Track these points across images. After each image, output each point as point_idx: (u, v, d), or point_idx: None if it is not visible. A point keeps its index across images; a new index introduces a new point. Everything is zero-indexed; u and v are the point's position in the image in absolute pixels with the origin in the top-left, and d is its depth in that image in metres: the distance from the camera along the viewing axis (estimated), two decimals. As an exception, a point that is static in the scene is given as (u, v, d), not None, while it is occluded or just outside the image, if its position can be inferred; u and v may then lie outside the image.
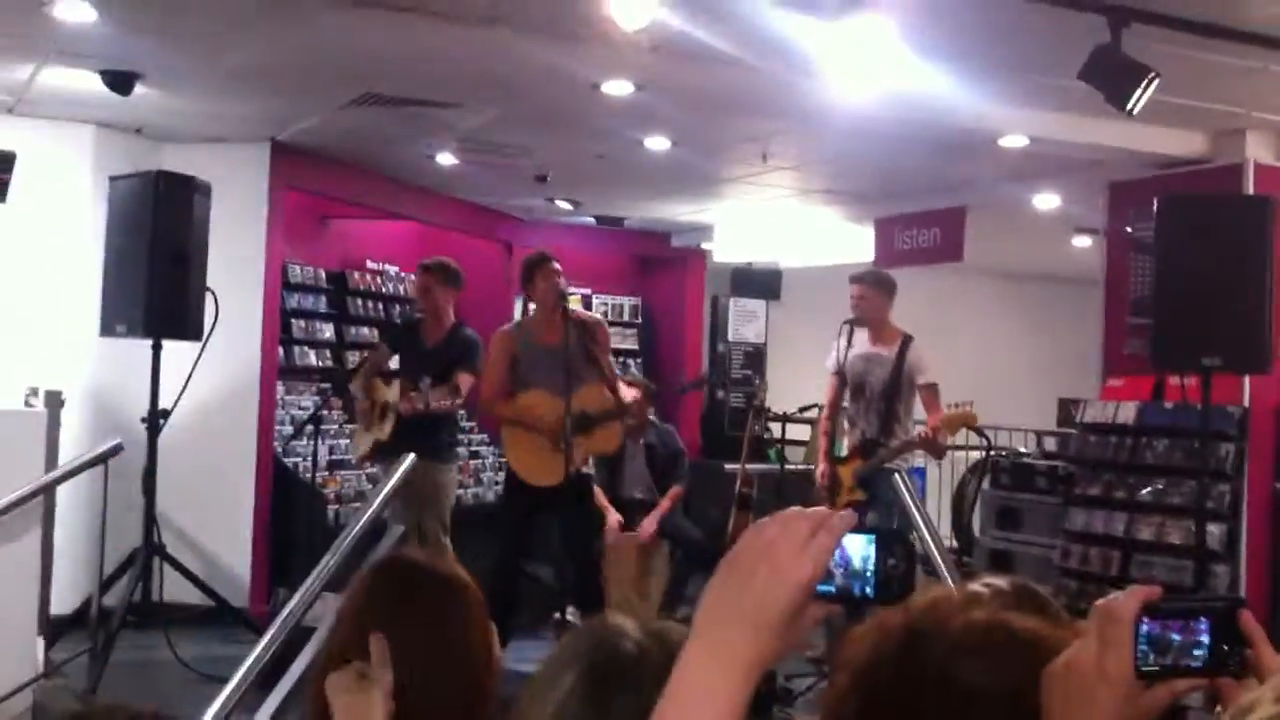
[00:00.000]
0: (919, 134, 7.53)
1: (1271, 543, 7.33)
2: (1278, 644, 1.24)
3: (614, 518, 8.12)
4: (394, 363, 7.73)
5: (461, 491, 9.57)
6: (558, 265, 6.80)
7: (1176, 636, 1.23)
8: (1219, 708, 1.22)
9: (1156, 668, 1.22)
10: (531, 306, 7.17)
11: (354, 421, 8.27)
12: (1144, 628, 1.22)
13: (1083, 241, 10.87)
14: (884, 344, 6.98)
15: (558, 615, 7.77)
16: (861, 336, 7.03)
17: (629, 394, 7.03)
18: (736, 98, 7.06)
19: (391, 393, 7.25)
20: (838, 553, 1.21)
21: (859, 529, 1.24)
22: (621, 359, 12.31)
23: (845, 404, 7.11)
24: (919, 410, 6.99)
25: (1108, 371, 8.15)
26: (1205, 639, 1.23)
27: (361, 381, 7.59)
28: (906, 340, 6.96)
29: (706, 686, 1.14)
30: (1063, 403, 10.87)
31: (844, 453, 7.06)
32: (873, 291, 7.02)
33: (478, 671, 2.20)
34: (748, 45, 6.01)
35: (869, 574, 1.24)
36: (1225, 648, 1.22)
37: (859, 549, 1.24)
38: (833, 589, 1.22)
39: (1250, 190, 7.38)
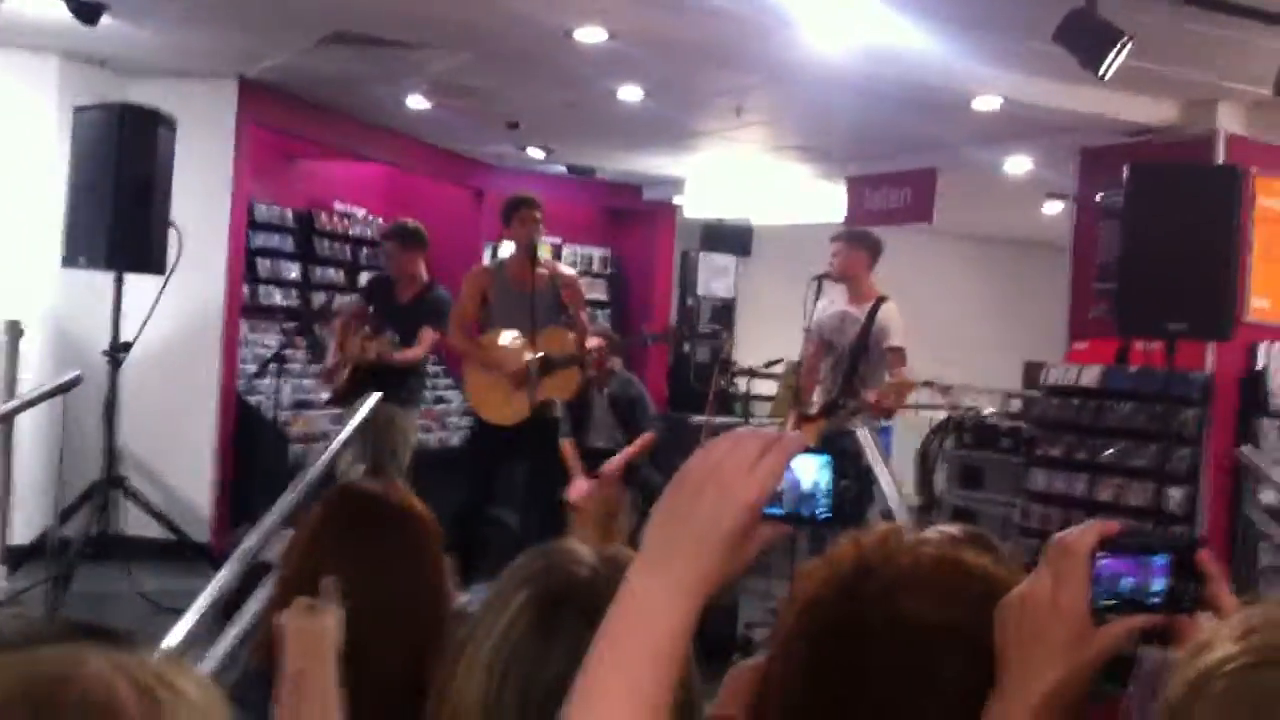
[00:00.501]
0: (893, 92, 7.50)
1: (1230, 507, 7.39)
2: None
3: (580, 483, 8.10)
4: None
5: (427, 436, 9.57)
6: (538, 213, 6.86)
7: (1133, 573, 1.21)
8: (1172, 647, 1.21)
9: (1112, 602, 1.20)
10: (510, 247, 7.18)
11: (320, 362, 8.33)
12: (1100, 563, 1.20)
13: (1053, 207, 10.89)
14: (859, 303, 6.99)
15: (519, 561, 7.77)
16: (839, 295, 7.03)
17: (592, 343, 7.02)
18: (711, 49, 7.01)
19: (372, 349, 7.36)
20: (789, 474, 1.19)
21: (811, 449, 1.21)
22: (590, 310, 12.29)
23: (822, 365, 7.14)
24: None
25: (1073, 335, 8.19)
26: (1163, 576, 1.21)
27: (337, 325, 7.73)
28: (879, 301, 6.96)
29: (651, 604, 1.12)
30: (1029, 366, 10.92)
31: (812, 411, 7.08)
32: (848, 249, 7.04)
33: (429, 600, 2.19)
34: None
35: (820, 496, 1.22)
36: (1183, 586, 1.21)
37: (811, 470, 1.22)
38: (782, 510, 1.20)
39: (1221, 160, 7.39)
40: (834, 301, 7.02)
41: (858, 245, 7.07)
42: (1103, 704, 1.31)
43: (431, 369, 10.70)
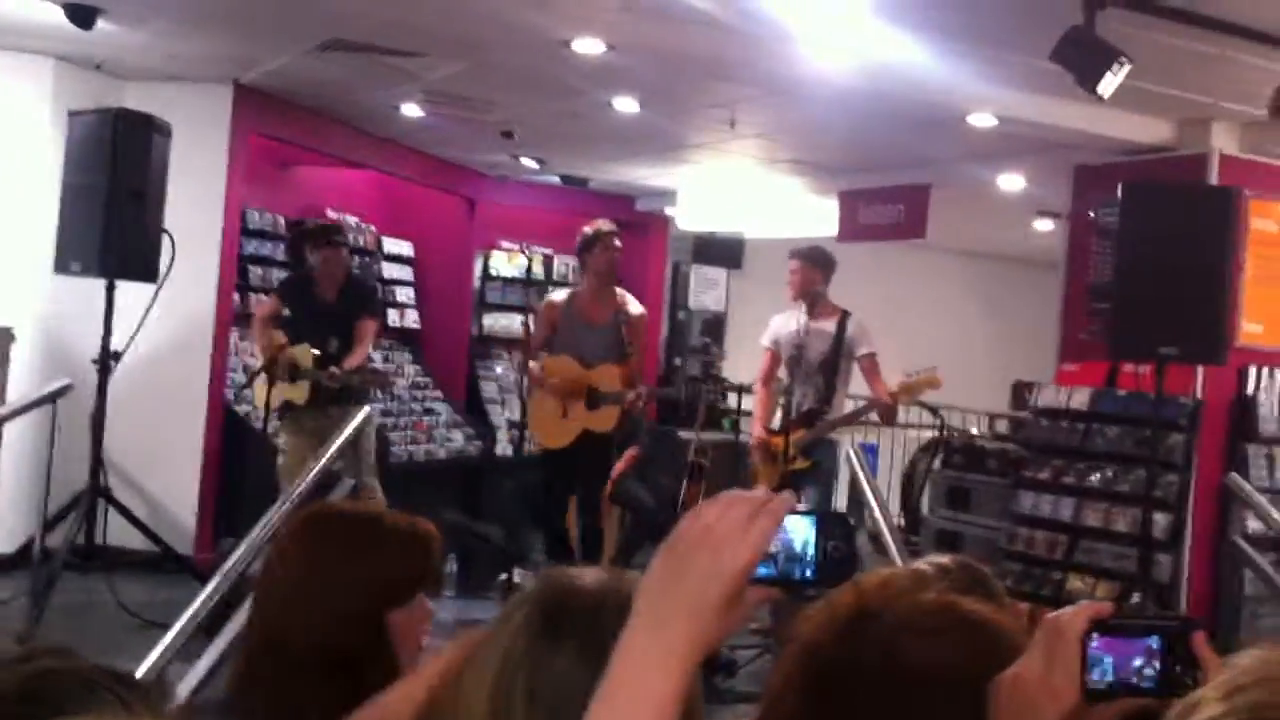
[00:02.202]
0: (888, 108, 7.52)
1: (1216, 533, 7.39)
2: (1224, 636, 1.22)
3: None
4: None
5: (415, 449, 9.54)
6: (618, 240, 6.99)
7: (1126, 655, 1.21)
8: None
9: (1104, 686, 1.20)
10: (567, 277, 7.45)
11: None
12: (1093, 645, 1.20)
13: (1044, 224, 10.91)
14: (822, 318, 7.12)
15: (504, 577, 7.78)
16: (799, 311, 7.15)
17: (630, 397, 7.17)
18: (707, 61, 7.02)
19: (303, 356, 7.41)
20: (778, 536, 1.20)
21: (799, 511, 1.22)
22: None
23: (781, 376, 7.20)
24: (856, 385, 7.12)
25: (1064, 356, 8.19)
26: (1157, 659, 1.21)
27: (259, 329, 7.76)
28: (845, 315, 7.14)
29: (646, 668, 1.14)
30: (1017, 386, 10.94)
31: (775, 425, 7.15)
32: (805, 267, 7.18)
33: (383, 599, 2.19)
34: (722, 7, 5.96)
35: (809, 557, 1.23)
36: (1177, 669, 1.20)
37: (800, 531, 1.23)
38: (773, 572, 1.21)
39: (1214, 180, 7.41)
40: (792, 318, 7.15)
41: (814, 262, 7.22)
42: None
43: (420, 379, 10.70)
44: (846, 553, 1.24)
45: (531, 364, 7.29)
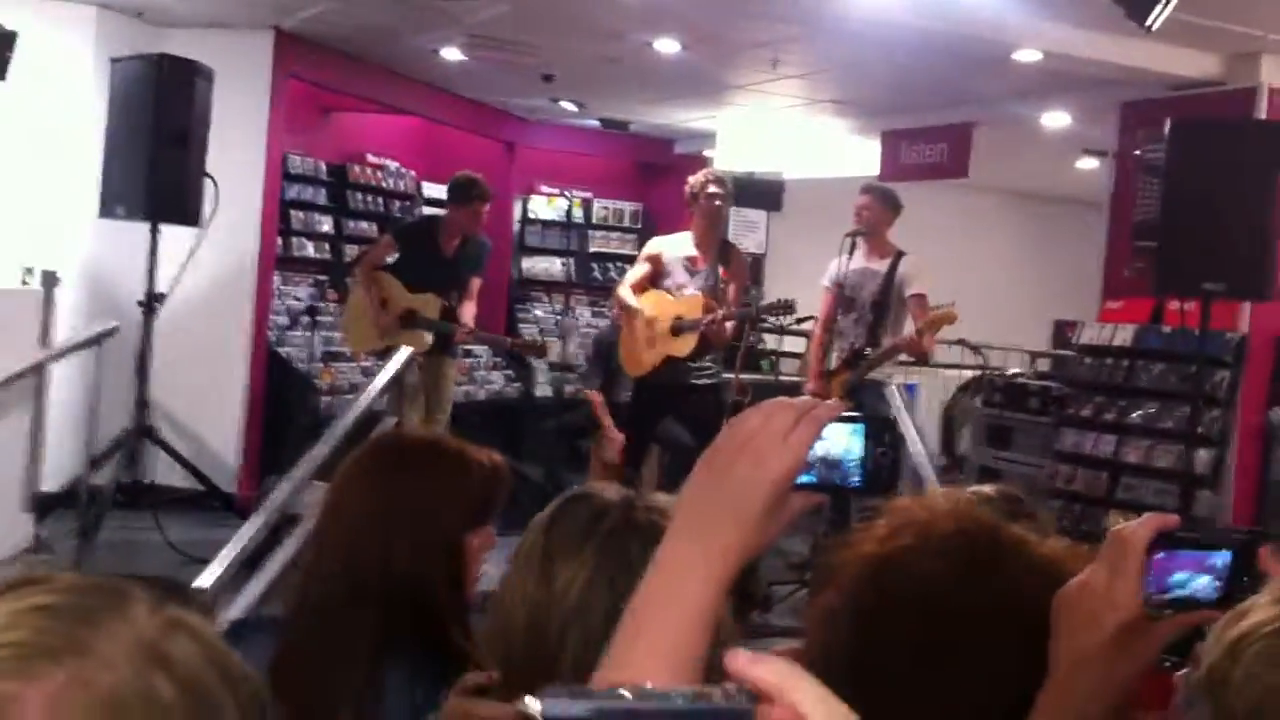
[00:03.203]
0: (933, 43, 7.42)
1: (1259, 471, 7.34)
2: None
3: (613, 436, 8.11)
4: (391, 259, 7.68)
5: (457, 389, 9.60)
6: (715, 189, 7.05)
7: (1190, 569, 1.19)
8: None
9: (1167, 599, 1.19)
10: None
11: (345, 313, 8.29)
12: (1157, 557, 1.18)
13: (1089, 163, 10.78)
14: (878, 258, 7.03)
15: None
16: (859, 250, 7.05)
17: (707, 316, 7.10)
18: (751, 0, 6.96)
19: (428, 307, 7.30)
20: (824, 443, 1.18)
21: (847, 417, 1.20)
22: (621, 265, 12.33)
23: (838, 318, 7.15)
24: (909, 326, 7.04)
25: (1107, 294, 8.12)
26: (1222, 573, 1.19)
27: (363, 274, 7.58)
28: (899, 255, 7.02)
29: (684, 573, 1.12)
30: (1058, 325, 10.86)
31: (833, 366, 7.10)
32: (879, 204, 7.09)
33: (453, 530, 2.21)
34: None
35: (855, 464, 1.21)
36: (1242, 583, 1.19)
37: (845, 438, 1.21)
38: (816, 479, 1.19)
39: (1263, 115, 7.30)
40: (854, 258, 7.05)
41: (886, 202, 7.14)
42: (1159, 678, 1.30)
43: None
44: (893, 460, 1.23)
45: (622, 293, 7.30)
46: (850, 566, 1.37)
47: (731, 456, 1.15)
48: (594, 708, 0.76)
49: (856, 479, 1.22)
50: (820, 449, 1.18)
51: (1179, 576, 1.19)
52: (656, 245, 7.36)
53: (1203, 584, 1.20)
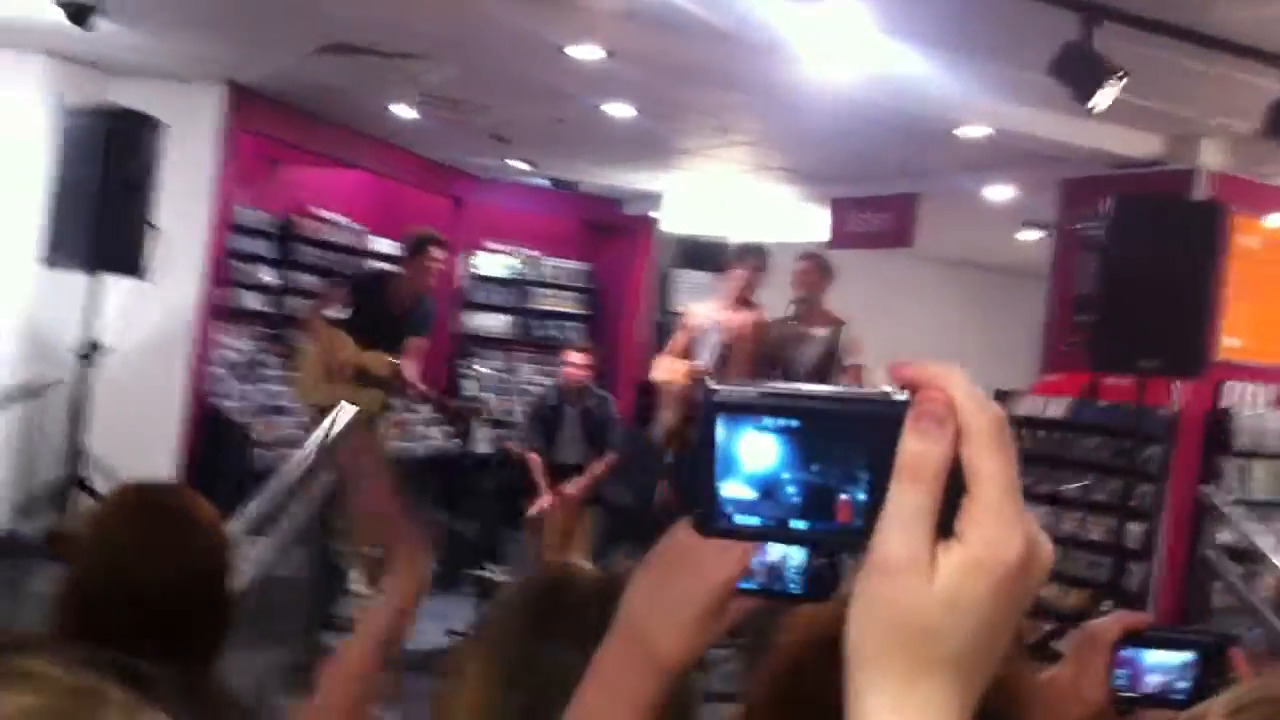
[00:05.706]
0: (881, 117, 7.53)
1: (1189, 545, 7.45)
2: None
3: (545, 498, 8.08)
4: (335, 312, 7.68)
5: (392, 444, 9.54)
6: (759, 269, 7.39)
7: (1158, 668, 1.20)
8: None
9: (1134, 695, 1.20)
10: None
11: (293, 365, 8.23)
12: (1124, 654, 1.20)
13: (1030, 235, 10.93)
14: (816, 324, 7.12)
15: (477, 572, 7.76)
16: (715, 306, 7.45)
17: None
18: (703, 69, 7.03)
19: (376, 364, 7.29)
20: (763, 548, 1.15)
21: None
22: (564, 323, 12.38)
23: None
24: None
25: (1046, 366, 8.23)
26: (1190, 673, 1.20)
27: (314, 322, 7.58)
28: (840, 324, 7.23)
29: (624, 679, 1.13)
30: (998, 394, 10.93)
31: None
32: (818, 271, 7.31)
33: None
34: (721, 16, 5.98)
35: (795, 570, 1.17)
36: (1211, 683, 1.19)
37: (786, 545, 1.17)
38: (756, 585, 1.16)
39: (1201, 196, 7.44)
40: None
41: (823, 269, 7.36)
42: None
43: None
44: (833, 569, 1.19)
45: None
46: (787, 646, 1.37)
47: (672, 562, 1.14)
48: (762, 390, 0.78)
49: (796, 586, 1.19)
50: (762, 555, 1.15)
51: (1147, 675, 1.20)
52: (692, 315, 7.87)
53: (1170, 683, 1.20)
